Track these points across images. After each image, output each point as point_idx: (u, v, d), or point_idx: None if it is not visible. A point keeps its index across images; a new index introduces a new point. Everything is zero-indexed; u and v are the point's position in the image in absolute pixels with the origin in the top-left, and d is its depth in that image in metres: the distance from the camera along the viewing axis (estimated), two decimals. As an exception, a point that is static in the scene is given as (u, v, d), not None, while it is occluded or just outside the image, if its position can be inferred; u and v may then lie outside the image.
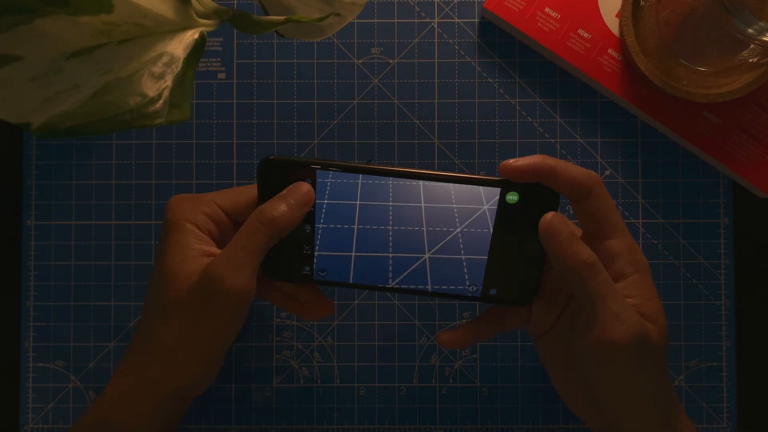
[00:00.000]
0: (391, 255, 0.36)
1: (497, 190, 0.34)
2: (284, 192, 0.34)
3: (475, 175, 0.34)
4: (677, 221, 0.43)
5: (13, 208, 0.44)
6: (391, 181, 0.35)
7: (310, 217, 0.36)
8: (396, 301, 0.43)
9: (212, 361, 0.36)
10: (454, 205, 0.35)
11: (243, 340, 0.43)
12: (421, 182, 0.34)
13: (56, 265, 0.43)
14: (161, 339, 0.34)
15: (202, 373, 0.36)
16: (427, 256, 0.36)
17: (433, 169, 0.35)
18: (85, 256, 0.43)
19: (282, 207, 0.33)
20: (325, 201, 0.35)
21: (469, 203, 0.35)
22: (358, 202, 0.36)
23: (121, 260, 0.43)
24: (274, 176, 0.35)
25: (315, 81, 0.44)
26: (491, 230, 0.35)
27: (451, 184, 0.34)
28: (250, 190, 0.36)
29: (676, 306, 0.43)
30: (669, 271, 0.43)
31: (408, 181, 0.34)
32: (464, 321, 0.43)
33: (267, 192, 0.35)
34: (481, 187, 0.34)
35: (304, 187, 0.34)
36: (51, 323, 0.43)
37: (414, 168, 0.35)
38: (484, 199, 0.34)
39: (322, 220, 0.35)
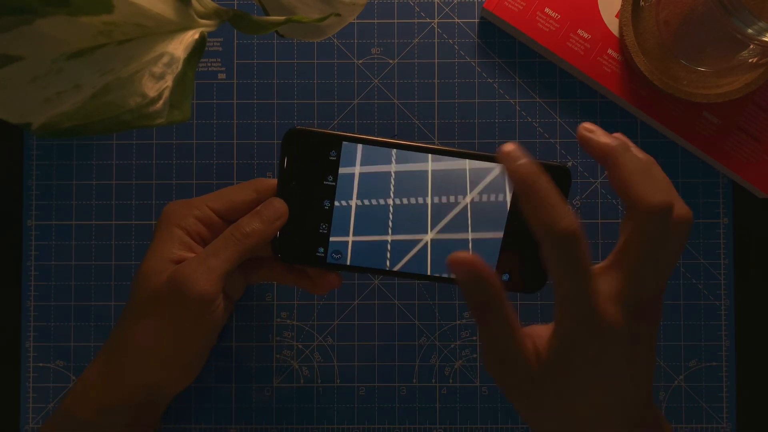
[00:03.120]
0: (406, 237, 0.36)
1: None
2: (259, 208, 0.35)
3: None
4: (677, 221, 0.43)
5: (13, 208, 0.44)
6: (412, 165, 0.35)
7: (330, 192, 0.36)
8: (396, 301, 0.43)
9: (182, 363, 0.36)
10: (470, 197, 0.36)
11: (243, 340, 0.43)
12: (447, 162, 0.35)
13: (56, 265, 0.43)
14: (132, 337, 0.35)
15: (171, 373, 0.36)
16: (429, 237, 0.36)
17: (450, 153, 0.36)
18: (86, 256, 0.43)
19: (255, 224, 0.34)
20: (358, 169, 0.35)
21: (486, 185, 0.36)
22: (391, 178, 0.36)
23: (121, 260, 0.43)
24: (298, 148, 0.35)
25: (315, 81, 0.44)
26: (507, 210, 0.36)
27: (469, 168, 0.35)
28: (245, 190, 0.36)
29: (676, 306, 0.43)
30: (669, 271, 0.43)
31: (438, 161, 0.35)
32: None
33: (292, 163, 0.35)
34: (499, 170, 0.35)
35: (277, 202, 0.35)
36: (51, 323, 0.43)
37: (442, 145, 0.36)
38: (502, 182, 0.35)
39: (343, 198, 0.35)
